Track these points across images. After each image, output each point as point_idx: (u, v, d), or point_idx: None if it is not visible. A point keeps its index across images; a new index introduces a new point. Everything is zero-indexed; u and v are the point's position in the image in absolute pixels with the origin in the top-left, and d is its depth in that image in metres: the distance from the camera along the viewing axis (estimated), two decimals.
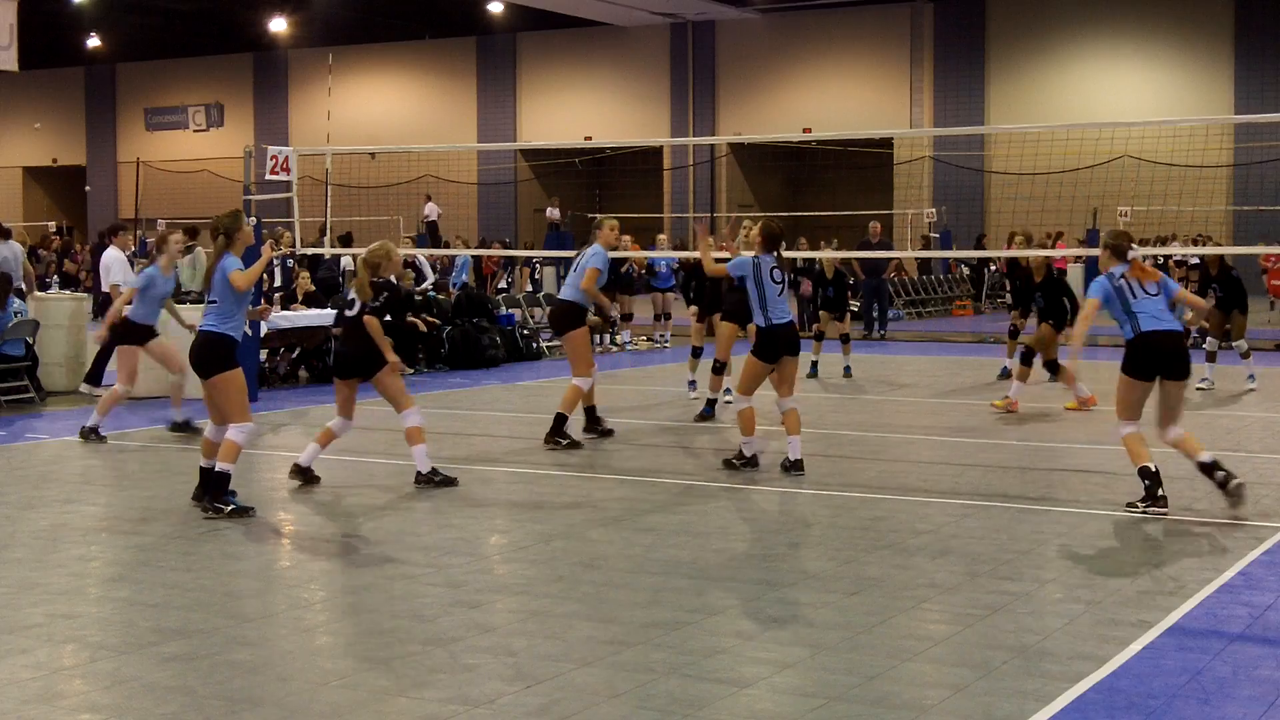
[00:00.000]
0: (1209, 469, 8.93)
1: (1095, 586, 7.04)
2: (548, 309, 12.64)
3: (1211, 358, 15.90)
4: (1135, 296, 9.02)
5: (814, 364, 17.26)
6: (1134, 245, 9.37)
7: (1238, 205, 36.41)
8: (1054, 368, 14.05)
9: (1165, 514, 8.76)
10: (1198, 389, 15.38)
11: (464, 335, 18.81)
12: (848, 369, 17.27)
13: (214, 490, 8.79)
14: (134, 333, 12.31)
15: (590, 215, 40.91)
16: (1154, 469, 8.88)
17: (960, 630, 6.29)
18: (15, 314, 14.56)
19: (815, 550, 8.05)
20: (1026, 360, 14.07)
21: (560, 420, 11.71)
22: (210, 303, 8.98)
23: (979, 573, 7.33)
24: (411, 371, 17.95)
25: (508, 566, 7.65)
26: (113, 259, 15.66)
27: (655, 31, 44.81)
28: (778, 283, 10.24)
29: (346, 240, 25.88)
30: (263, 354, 15.99)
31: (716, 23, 44.18)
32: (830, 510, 9.09)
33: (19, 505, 9.28)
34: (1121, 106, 37.61)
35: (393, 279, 10.02)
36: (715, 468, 10.85)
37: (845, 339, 17.60)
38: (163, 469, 10.87)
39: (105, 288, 16.10)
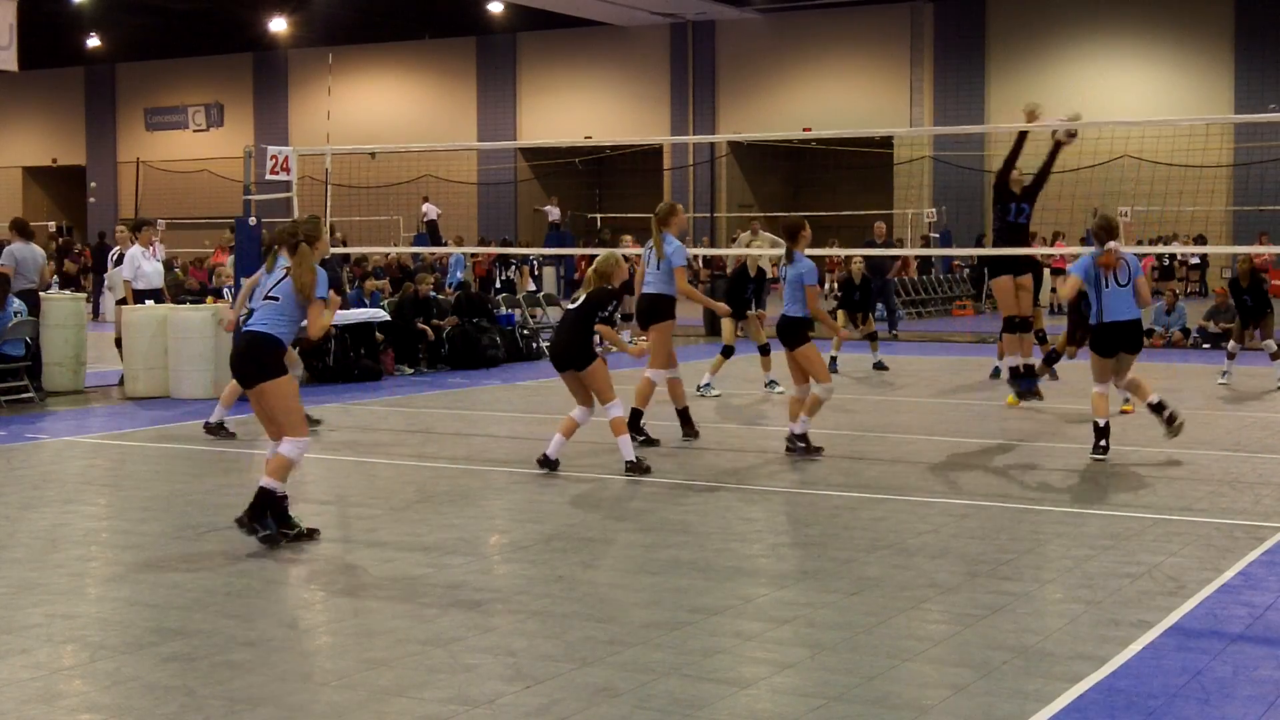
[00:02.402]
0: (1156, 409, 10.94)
1: (1095, 586, 7.04)
2: (637, 304, 12.56)
3: (1231, 356, 16.04)
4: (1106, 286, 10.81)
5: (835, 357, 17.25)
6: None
7: (1238, 205, 36.43)
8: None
9: (1105, 459, 10.75)
10: (1220, 384, 15.68)
11: (464, 335, 18.81)
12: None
13: (254, 508, 7.90)
14: None
15: (590, 215, 41.11)
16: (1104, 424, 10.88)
17: (960, 630, 6.29)
18: (15, 314, 14.55)
19: (815, 550, 8.05)
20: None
21: (636, 415, 11.75)
22: (271, 299, 8.13)
23: (979, 573, 7.33)
24: (411, 371, 17.98)
25: (508, 566, 7.65)
26: (133, 255, 16.21)
27: (655, 31, 44.82)
28: (784, 279, 11.20)
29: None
30: None
31: (716, 23, 44.19)
32: (830, 510, 9.09)
33: (19, 505, 9.28)
34: (1121, 106, 37.62)
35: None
36: (715, 467, 10.86)
37: (764, 350, 15.73)
38: (163, 469, 10.87)
39: (128, 276, 16.64)
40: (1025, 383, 13.11)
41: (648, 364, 11.81)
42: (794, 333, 11.05)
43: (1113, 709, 5.28)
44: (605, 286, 10.48)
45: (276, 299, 8.12)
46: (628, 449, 10.31)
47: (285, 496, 8.06)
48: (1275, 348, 15.86)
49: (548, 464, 10.40)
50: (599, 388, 10.30)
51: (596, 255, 20.64)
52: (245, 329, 8.19)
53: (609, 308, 10.50)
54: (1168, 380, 15.66)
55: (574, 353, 10.31)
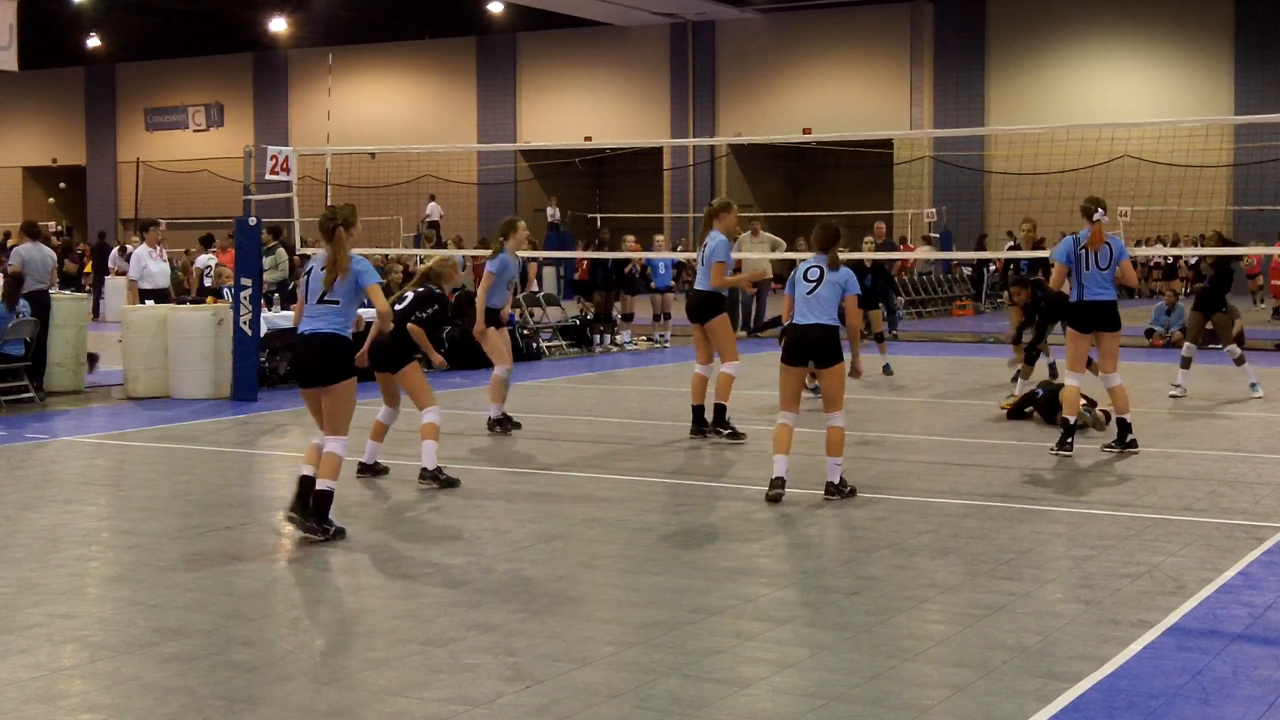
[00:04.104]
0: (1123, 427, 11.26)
1: (1095, 586, 7.05)
2: (686, 301, 12.42)
3: (1186, 364, 15.04)
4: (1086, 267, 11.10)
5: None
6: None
7: (1238, 205, 36.43)
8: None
9: (1069, 456, 11.00)
10: (1171, 396, 14.84)
11: (464, 335, 18.79)
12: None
13: (318, 511, 8.11)
14: (488, 316, 12.35)
15: (590, 215, 41.10)
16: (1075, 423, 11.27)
17: (960, 630, 6.29)
18: (17, 314, 14.53)
19: (815, 550, 8.05)
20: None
21: (720, 411, 11.87)
22: (329, 303, 8.22)
23: (979, 573, 7.33)
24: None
25: (508, 566, 7.65)
26: (140, 254, 16.88)
27: (655, 31, 44.82)
28: (810, 280, 9.41)
29: (208, 241, 25.37)
30: (262, 354, 15.97)
31: (716, 23, 44.19)
32: (830, 510, 9.09)
33: (19, 505, 9.28)
34: (1121, 106, 37.62)
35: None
36: (714, 467, 10.85)
37: None
38: (163, 469, 10.87)
39: (134, 276, 17.48)
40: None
41: (721, 360, 11.87)
42: (836, 348, 9.46)
43: (1113, 709, 5.28)
44: (432, 289, 10.34)
45: (336, 302, 8.20)
46: (430, 457, 9.87)
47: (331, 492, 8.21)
48: (1239, 352, 15.12)
49: (366, 469, 10.20)
50: (412, 389, 9.99)
51: (599, 256, 20.44)
52: (311, 331, 8.22)
53: (428, 310, 10.23)
54: (1168, 381, 15.62)
55: (390, 354, 9.92)
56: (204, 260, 21.61)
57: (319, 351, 8.18)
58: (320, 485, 8.10)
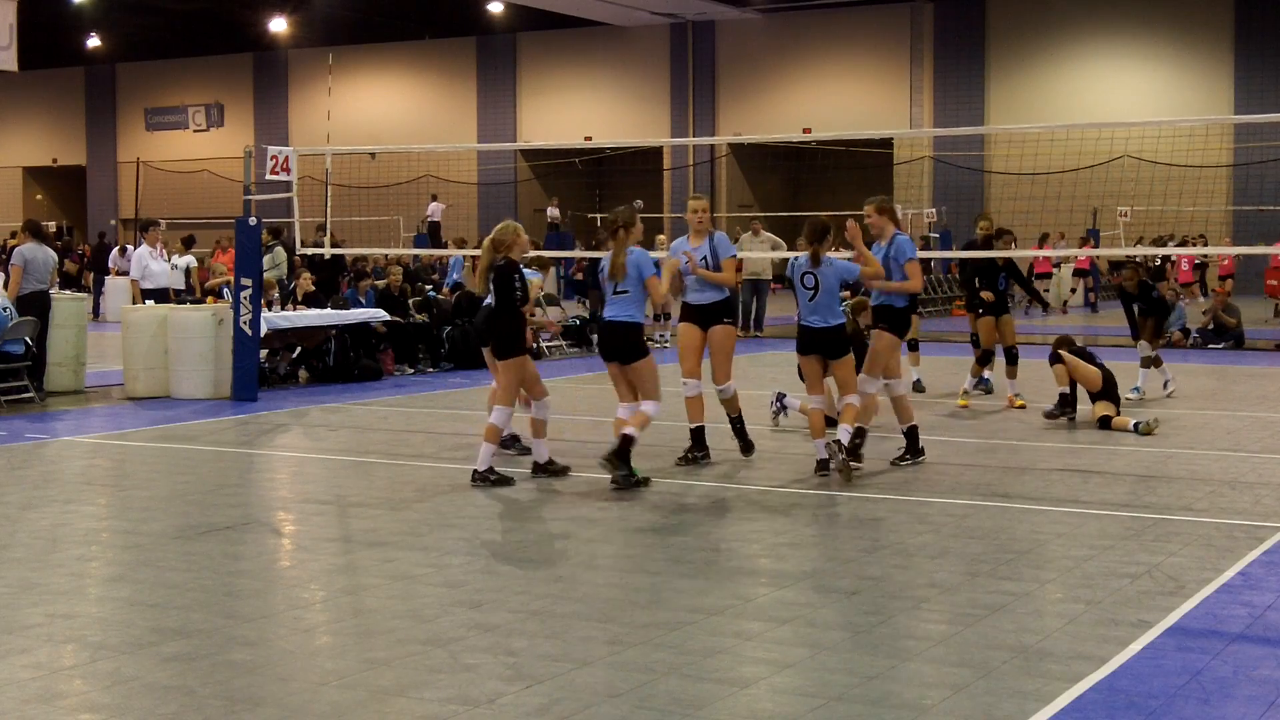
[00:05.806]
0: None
1: (1095, 586, 7.05)
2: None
3: (1157, 363, 15.04)
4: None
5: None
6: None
7: (1238, 205, 36.43)
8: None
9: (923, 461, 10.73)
10: (1168, 395, 14.88)
11: (464, 335, 18.80)
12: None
13: (620, 452, 9.54)
14: None
15: (590, 215, 41.11)
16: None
17: (960, 630, 6.29)
18: (4, 309, 14.50)
19: (816, 550, 8.05)
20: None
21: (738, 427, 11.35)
22: (621, 293, 9.81)
23: (979, 573, 7.33)
24: (411, 371, 17.98)
25: (508, 566, 7.65)
26: (142, 254, 16.47)
27: (655, 31, 44.82)
28: (808, 289, 10.16)
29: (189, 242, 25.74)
30: (263, 354, 15.97)
31: (716, 23, 44.19)
32: (830, 510, 9.09)
33: (19, 505, 9.28)
34: (1121, 106, 37.62)
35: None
36: (715, 468, 10.85)
37: None
38: (163, 469, 10.87)
39: (135, 276, 18.41)
40: None
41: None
42: (844, 342, 10.34)
43: (1113, 709, 5.28)
44: (499, 260, 9.93)
45: (626, 291, 9.80)
46: (542, 451, 10.29)
47: (633, 440, 9.59)
48: (1150, 352, 14.92)
49: (540, 469, 10.30)
50: (642, 379, 9.98)
51: (599, 256, 20.51)
52: (610, 318, 9.91)
53: (517, 285, 9.90)
54: (1160, 381, 15.60)
55: (625, 346, 9.98)
56: (183, 261, 21.53)
57: (616, 337, 9.87)
58: (626, 430, 9.52)
